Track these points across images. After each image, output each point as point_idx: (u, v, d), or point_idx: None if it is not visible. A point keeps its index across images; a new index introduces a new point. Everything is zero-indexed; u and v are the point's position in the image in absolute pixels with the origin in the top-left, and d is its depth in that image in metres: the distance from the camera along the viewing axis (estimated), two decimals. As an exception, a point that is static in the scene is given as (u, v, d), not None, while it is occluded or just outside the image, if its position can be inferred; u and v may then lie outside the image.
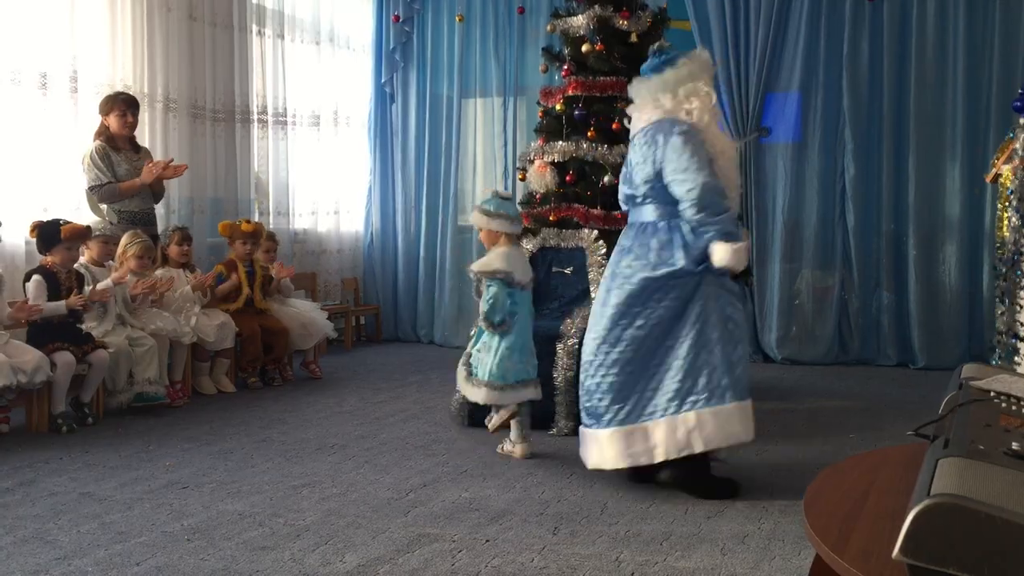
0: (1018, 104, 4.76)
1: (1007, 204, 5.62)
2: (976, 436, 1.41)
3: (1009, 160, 5.65)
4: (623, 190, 3.87)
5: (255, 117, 7.29)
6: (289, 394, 5.86)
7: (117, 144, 5.57)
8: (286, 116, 7.60)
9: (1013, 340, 5.48)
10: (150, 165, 5.60)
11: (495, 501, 3.61)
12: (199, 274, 5.80)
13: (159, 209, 5.97)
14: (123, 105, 5.59)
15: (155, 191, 5.75)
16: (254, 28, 7.24)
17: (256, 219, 7.18)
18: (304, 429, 4.87)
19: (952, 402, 1.70)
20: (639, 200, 3.78)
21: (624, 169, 3.87)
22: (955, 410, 1.61)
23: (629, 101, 5.41)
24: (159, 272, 5.53)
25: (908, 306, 7.07)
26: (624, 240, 3.82)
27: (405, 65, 8.46)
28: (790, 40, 7.27)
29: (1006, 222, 5.70)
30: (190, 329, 5.50)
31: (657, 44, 4.16)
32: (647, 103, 3.82)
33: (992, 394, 1.76)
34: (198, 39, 6.70)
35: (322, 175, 8.04)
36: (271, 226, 7.31)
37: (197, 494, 3.66)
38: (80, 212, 5.59)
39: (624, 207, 3.93)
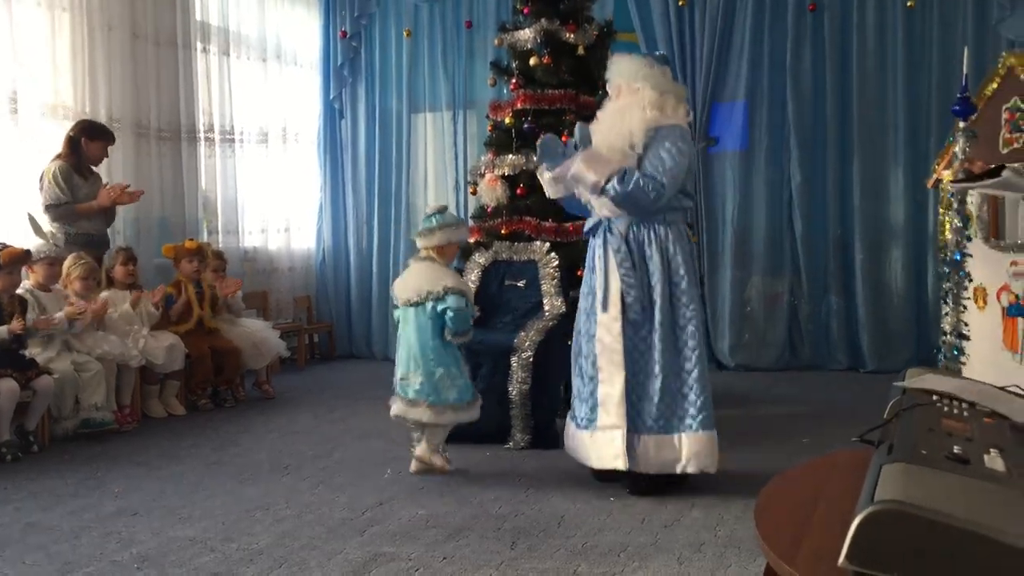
0: (956, 108, 4.86)
1: (948, 208, 5.73)
2: (919, 441, 1.43)
3: (950, 165, 5.77)
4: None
5: (202, 135, 7.20)
6: (241, 415, 5.78)
7: (82, 169, 5.58)
8: (233, 134, 7.52)
9: (958, 340, 5.58)
10: (107, 189, 5.60)
11: (452, 518, 3.59)
12: (145, 292, 5.70)
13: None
14: (108, 138, 5.77)
15: (109, 215, 5.79)
16: (199, 45, 7.16)
17: (205, 238, 7.10)
18: (257, 450, 4.81)
19: (896, 407, 1.72)
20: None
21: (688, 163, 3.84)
22: (899, 415, 1.62)
23: (578, 114, 5.44)
24: (104, 294, 5.43)
25: (856, 311, 7.18)
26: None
27: (353, 80, 8.43)
28: (735, 50, 7.37)
29: (948, 225, 5.82)
30: (138, 352, 5.40)
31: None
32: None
33: (935, 398, 1.79)
34: (141, 57, 6.61)
35: (271, 192, 7.96)
36: (220, 245, 7.22)
37: (147, 521, 3.60)
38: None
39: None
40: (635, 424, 3.79)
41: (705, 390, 3.76)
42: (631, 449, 3.78)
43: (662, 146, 3.76)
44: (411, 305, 4.16)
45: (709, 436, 3.75)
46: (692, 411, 3.75)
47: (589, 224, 4.03)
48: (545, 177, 4.01)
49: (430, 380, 4.13)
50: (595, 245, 3.95)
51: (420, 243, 4.25)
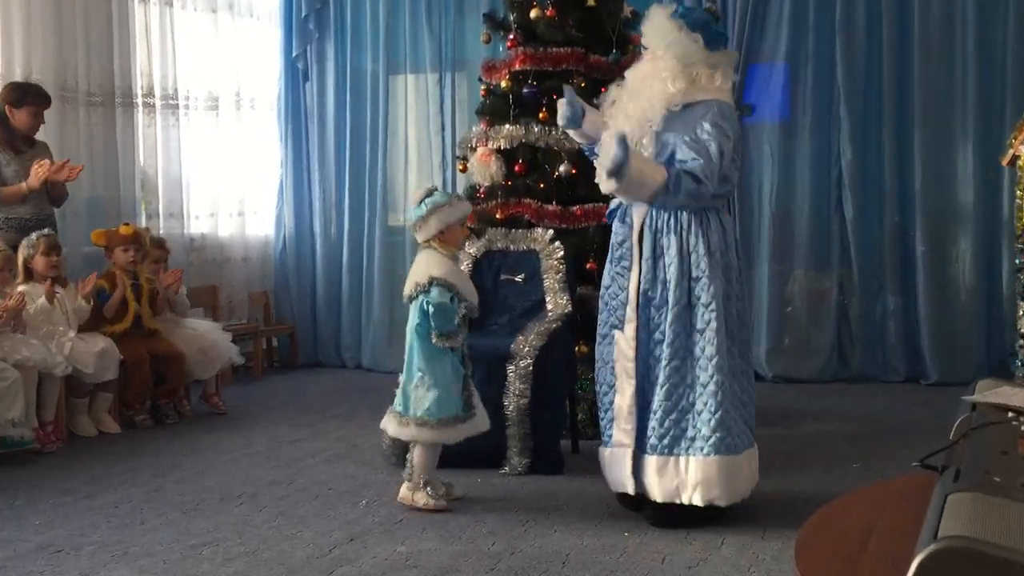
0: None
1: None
2: (991, 466, 1.43)
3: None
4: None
5: (139, 100, 7.19)
6: (187, 433, 5.77)
7: (14, 142, 5.61)
8: (177, 99, 7.50)
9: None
10: (37, 167, 5.60)
11: (436, 556, 3.59)
12: (70, 284, 5.69)
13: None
14: (39, 101, 5.77)
15: (54, 194, 5.81)
16: (136, -7, 7.16)
17: (143, 223, 7.10)
18: (205, 476, 4.80)
19: (964, 426, 1.73)
20: None
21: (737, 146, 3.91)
22: (967, 435, 1.63)
23: (587, 76, 5.45)
24: (21, 288, 5.42)
25: (917, 311, 7.19)
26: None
27: (321, 36, 8.41)
28: (774, 3, 7.37)
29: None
30: (63, 358, 5.39)
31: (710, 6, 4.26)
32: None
33: (1010, 415, 1.80)
34: (66, 7, 6.59)
35: (223, 169, 7.95)
36: (161, 231, 7.21)
37: (74, 559, 3.59)
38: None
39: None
40: (640, 442, 3.86)
41: (723, 407, 3.75)
42: (638, 471, 3.85)
43: (700, 126, 3.77)
44: (409, 302, 4.25)
45: (723, 462, 3.75)
46: (704, 431, 3.75)
47: (612, 205, 4.10)
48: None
49: (405, 387, 4.21)
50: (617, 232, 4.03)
51: (418, 237, 4.30)
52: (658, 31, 3.94)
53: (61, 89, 6.55)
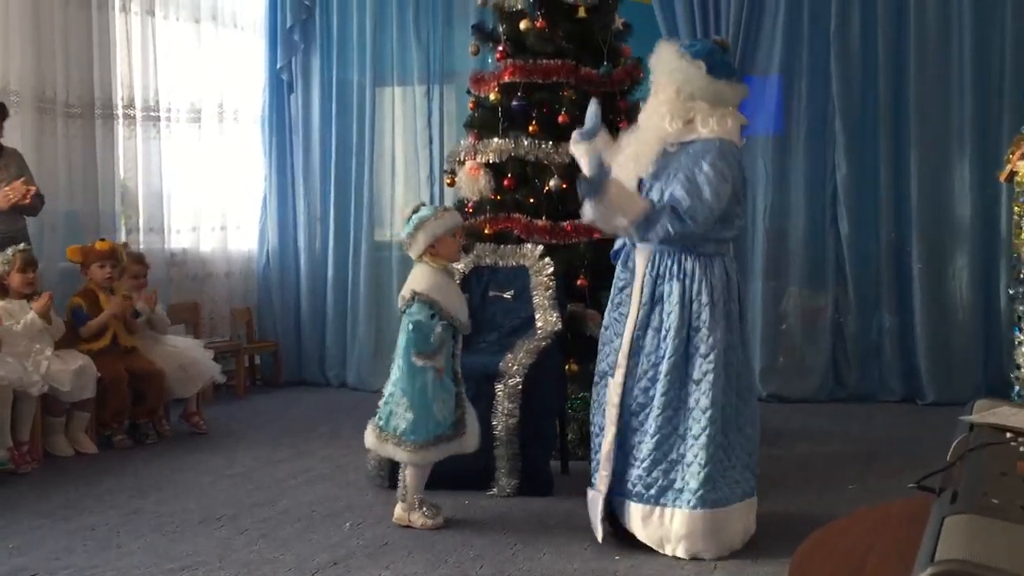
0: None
1: (1022, 205, 5.76)
2: (990, 488, 1.44)
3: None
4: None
5: (120, 112, 7.18)
6: (166, 454, 5.75)
7: None
8: (159, 110, 7.50)
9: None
10: (8, 190, 5.60)
11: (422, 580, 3.58)
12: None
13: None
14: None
15: (26, 206, 5.77)
16: (117, 3, 7.15)
17: (123, 238, 7.08)
18: (185, 498, 4.78)
19: (961, 447, 1.73)
20: None
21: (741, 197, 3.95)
22: (965, 456, 1.64)
23: (577, 89, 5.48)
24: (-2, 305, 5.41)
25: (913, 329, 7.20)
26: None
27: (306, 47, 8.42)
28: (768, 12, 7.41)
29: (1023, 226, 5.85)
30: (39, 377, 5.37)
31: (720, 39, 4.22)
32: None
33: (1008, 435, 1.80)
34: (45, 16, 6.58)
35: (205, 182, 7.94)
36: (141, 245, 7.19)
37: (49, 583, 3.57)
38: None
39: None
40: (621, 488, 3.87)
41: (713, 460, 3.72)
42: (622, 517, 3.89)
43: (699, 165, 3.77)
44: (402, 315, 4.30)
45: (709, 516, 3.74)
46: (692, 484, 3.73)
47: (617, 245, 4.11)
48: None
49: (388, 400, 4.25)
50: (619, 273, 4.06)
51: (411, 254, 4.32)
52: (662, 62, 3.95)
53: (39, 100, 6.54)
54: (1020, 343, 5.86)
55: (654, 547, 3.83)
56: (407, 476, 4.25)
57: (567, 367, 5.33)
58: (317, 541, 4.06)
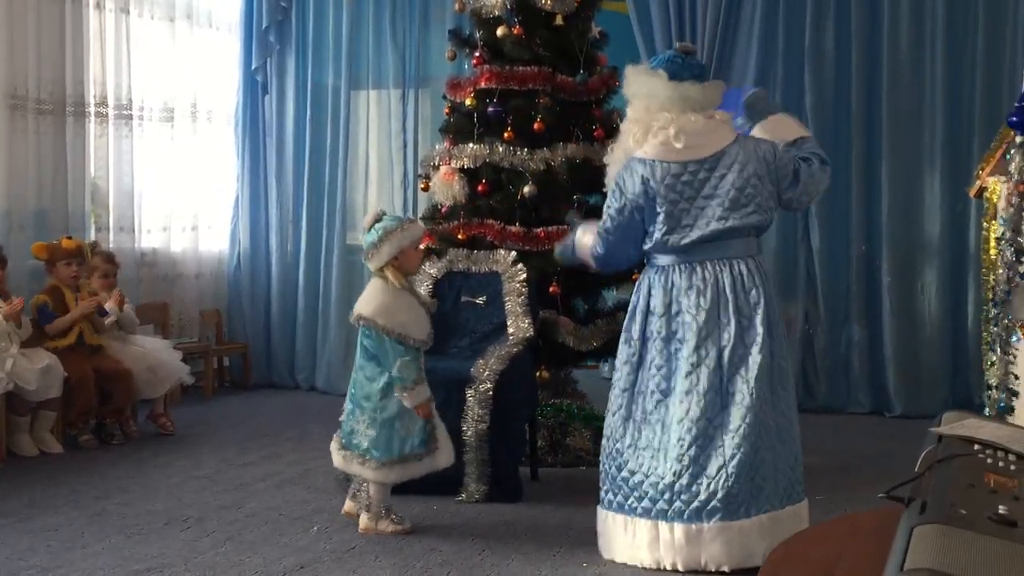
0: (1014, 119, 4.87)
1: (992, 222, 5.81)
2: (958, 498, 1.45)
3: (997, 172, 5.85)
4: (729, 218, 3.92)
5: (91, 110, 7.12)
6: (132, 455, 5.71)
7: None
8: (131, 109, 7.45)
9: (1005, 396, 5.64)
10: None
11: (390, 585, 3.57)
12: (13, 300, 5.62)
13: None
14: None
15: None
16: (91, 0, 7.10)
17: (93, 236, 7.03)
18: (151, 499, 4.75)
19: (930, 458, 1.75)
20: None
21: (734, 192, 3.88)
22: (933, 467, 1.65)
23: (553, 96, 5.49)
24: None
25: (883, 343, 7.26)
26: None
27: (281, 48, 8.39)
28: (743, 26, 7.44)
29: (993, 243, 5.90)
30: (4, 375, 5.32)
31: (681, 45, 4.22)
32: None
33: (976, 447, 1.82)
34: (18, 12, 6.53)
35: (177, 182, 7.89)
36: (111, 244, 7.14)
37: (11, 584, 3.54)
38: None
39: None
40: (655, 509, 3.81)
41: (746, 472, 3.71)
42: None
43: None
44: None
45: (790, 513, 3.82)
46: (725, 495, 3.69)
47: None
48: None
49: (347, 416, 4.26)
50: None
51: (371, 266, 4.26)
52: (631, 85, 4.02)
53: (11, 96, 6.49)
54: (992, 363, 5.90)
55: (691, 568, 3.71)
56: (371, 491, 4.22)
57: (538, 374, 5.33)
58: (284, 544, 4.04)
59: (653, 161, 3.84)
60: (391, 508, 4.24)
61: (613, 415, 3.93)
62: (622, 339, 4.00)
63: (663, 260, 3.92)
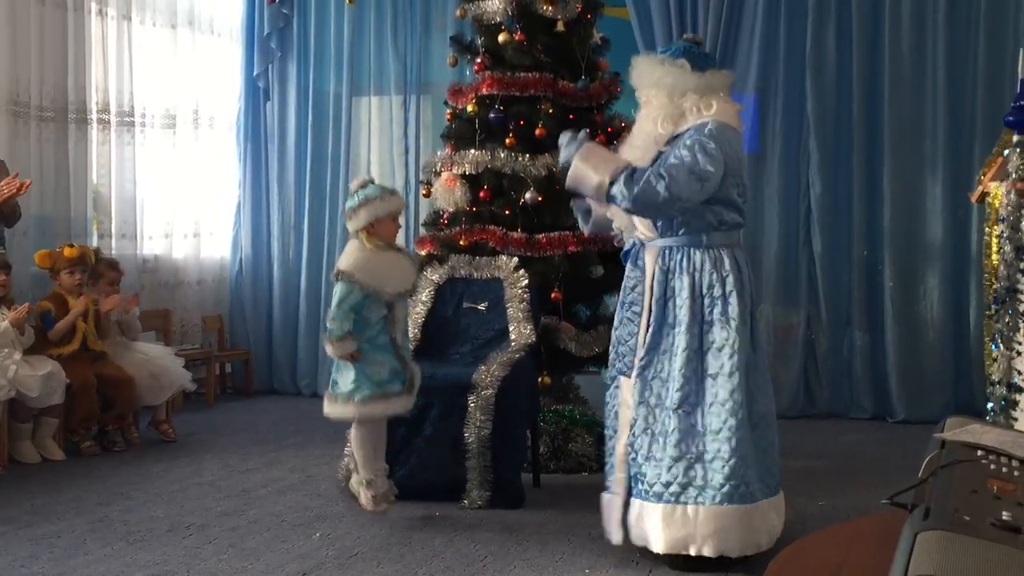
0: (1010, 119, 4.89)
1: (994, 227, 5.81)
2: (961, 504, 1.45)
3: (998, 177, 5.85)
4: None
5: (94, 116, 7.15)
6: (134, 461, 5.71)
7: None
8: (133, 116, 7.47)
9: (1009, 392, 5.64)
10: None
11: (392, 592, 3.57)
12: (17, 307, 5.62)
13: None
14: None
15: (6, 210, 5.74)
16: (93, 7, 7.13)
17: (95, 243, 7.04)
18: (153, 506, 4.75)
19: (933, 463, 1.74)
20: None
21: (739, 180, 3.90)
22: (937, 473, 1.65)
23: (555, 102, 5.49)
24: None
25: (884, 348, 7.25)
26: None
27: (283, 55, 8.41)
28: (744, 32, 7.45)
29: (995, 247, 5.89)
30: (7, 382, 5.32)
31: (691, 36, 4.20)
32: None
33: (980, 453, 1.81)
34: (21, 18, 6.56)
35: (179, 189, 7.91)
36: (113, 251, 7.16)
37: (13, 591, 3.54)
38: None
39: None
40: (637, 489, 3.78)
41: (737, 454, 3.64)
42: (636, 521, 3.77)
43: (682, 143, 3.74)
44: None
45: (737, 512, 3.65)
46: (717, 479, 3.65)
47: (627, 246, 4.07)
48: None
49: (333, 370, 4.41)
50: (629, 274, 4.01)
51: (349, 227, 4.44)
52: (644, 75, 3.93)
53: (13, 103, 6.51)
54: (995, 359, 5.90)
55: (674, 550, 3.68)
56: (352, 437, 4.40)
57: (540, 380, 5.32)
58: (286, 551, 4.04)
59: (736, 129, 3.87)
60: (374, 482, 4.35)
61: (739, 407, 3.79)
62: (718, 325, 3.75)
63: (717, 240, 3.83)
